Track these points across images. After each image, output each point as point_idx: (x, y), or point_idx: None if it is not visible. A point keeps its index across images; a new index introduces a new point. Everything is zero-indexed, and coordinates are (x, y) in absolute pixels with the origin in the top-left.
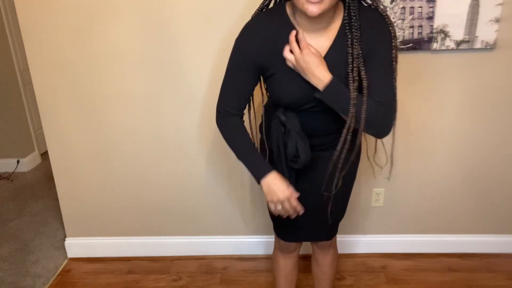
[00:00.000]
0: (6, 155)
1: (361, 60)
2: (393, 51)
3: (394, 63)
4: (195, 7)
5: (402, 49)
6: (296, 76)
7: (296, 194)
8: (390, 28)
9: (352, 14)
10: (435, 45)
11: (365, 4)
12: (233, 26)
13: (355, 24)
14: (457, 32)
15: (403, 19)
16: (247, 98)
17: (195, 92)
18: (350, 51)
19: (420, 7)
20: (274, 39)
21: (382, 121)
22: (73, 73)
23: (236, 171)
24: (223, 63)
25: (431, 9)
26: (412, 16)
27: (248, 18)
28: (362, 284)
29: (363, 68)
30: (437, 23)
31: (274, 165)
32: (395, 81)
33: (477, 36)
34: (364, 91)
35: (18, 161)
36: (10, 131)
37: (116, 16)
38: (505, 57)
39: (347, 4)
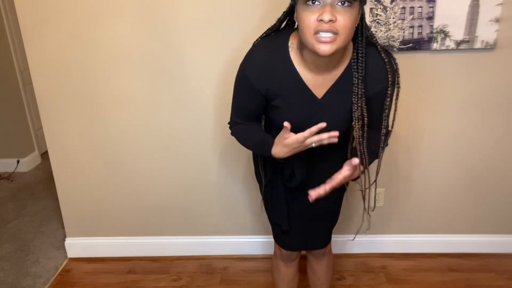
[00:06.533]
0: (6, 155)
1: (364, 99)
2: (395, 94)
3: (396, 98)
4: (199, 8)
5: (402, 49)
6: (297, 110)
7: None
8: (395, 75)
9: (359, 54)
10: (435, 45)
11: (376, 45)
12: (240, 30)
13: (361, 65)
14: (457, 32)
15: (403, 19)
16: (260, 113)
17: (197, 93)
18: (355, 91)
19: (420, 7)
20: (276, 79)
21: (384, 147)
22: (73, 73)
23: (236, 171)
24: (228, 66)
25: (431, 9)
26: (412, 16)
27: (260, 23)
28: (362, 284)
29: (365, 106)
30: (437, 23)
31: (269, 182)
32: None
33: (477, 36)
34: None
35: (18, 161)
36: (10, 131)
37: (117, 16)
38: (505, 57)
39: (356, 45)
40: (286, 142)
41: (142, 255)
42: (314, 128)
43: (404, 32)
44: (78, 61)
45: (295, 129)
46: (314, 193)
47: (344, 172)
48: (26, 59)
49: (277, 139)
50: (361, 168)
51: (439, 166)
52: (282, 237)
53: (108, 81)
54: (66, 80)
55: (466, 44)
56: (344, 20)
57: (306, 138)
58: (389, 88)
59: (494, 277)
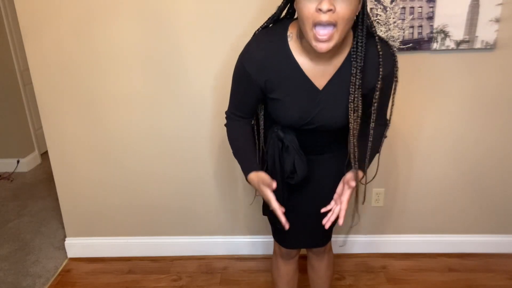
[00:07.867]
0: (6, 155)
1: (361, 90)
2: (392, 89)
3: (393, 93)
4: (198, 7)
5: (402, 49)
6: (297, 102)
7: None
8: (392, 68)
9: (359, 44)
10: (435, 45)
11: (374, 36)
12: (239, 28)
13: (360, 54)
14: (457, 32)
15: (403, 19)
16: (255, 106)
17: (196, 92)
18: (353, 81)
19: (420, 7)
20: (275, 70)
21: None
22: (73, 73)
23: (236, 171)
24: (227, 65)
25: (431, 9)
26: (412, 16)
27: (257, 22)
28: (362, 284)
29: (361, 98)
30: (437, 23)
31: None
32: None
33: (477, 36)
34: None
35: (18, 161)
36: (10, 131)
37: (117, 16)
38: (505, 57)
39: (356, 34)
40: (261, 189)
41: (142, 255)
42: (280, 212)
43: (404, 32)
44: (78, 61)
45: (297, 122)
46: (328, 222)
47: (346, 193)
48: (26, 59)
49: (260, 176)
50: (359, 174)
51: (439, 166)
52: (281, 235)
53: (108, 81)
54: (66, 80)
55: (466, 44)
56: (343, 10)
57: (274, 207)
58: (379, 82)
59: (494, 277)
